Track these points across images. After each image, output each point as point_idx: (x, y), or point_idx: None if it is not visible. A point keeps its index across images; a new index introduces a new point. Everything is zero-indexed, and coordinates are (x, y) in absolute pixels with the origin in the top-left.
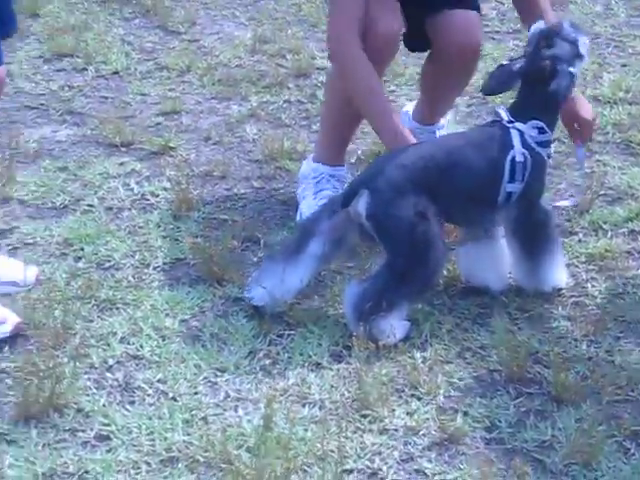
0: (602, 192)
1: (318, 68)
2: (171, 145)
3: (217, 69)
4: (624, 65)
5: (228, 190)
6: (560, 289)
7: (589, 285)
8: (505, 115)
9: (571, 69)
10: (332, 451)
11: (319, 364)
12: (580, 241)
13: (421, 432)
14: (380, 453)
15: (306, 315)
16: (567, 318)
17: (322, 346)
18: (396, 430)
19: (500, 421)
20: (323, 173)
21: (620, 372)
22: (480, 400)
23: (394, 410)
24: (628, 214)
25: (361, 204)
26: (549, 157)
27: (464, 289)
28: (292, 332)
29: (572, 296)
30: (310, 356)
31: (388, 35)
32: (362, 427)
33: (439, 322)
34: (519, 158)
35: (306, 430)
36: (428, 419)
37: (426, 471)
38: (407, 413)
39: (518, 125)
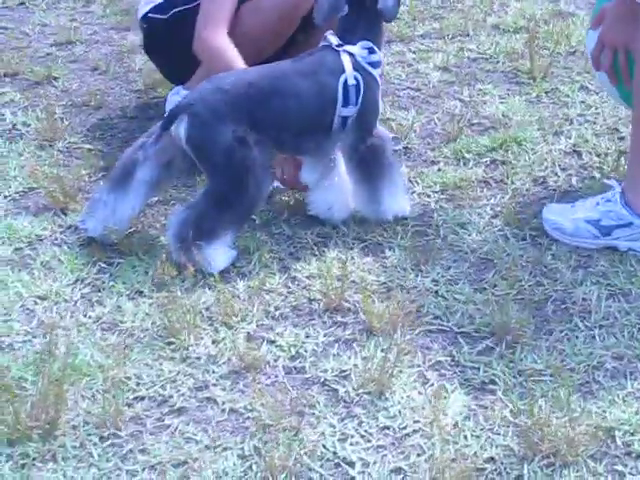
0: (475, 121)
1: None
2: (55, 75)
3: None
4: None
5: (101, 120)
6: (404, 218)
7: (435, 215)
8: (334, 39)
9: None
10: (128, 378)
11: (141, 292)
12: (439, 170)
13: (221, 361)
14: (175, 381)
15: (139, 243)
16: (403, 248)
17: (148, 274)
18: (198, 358)
19: (306, 350)
20: None
21: (440, 302)
22: (291, 329)
23: (202, 338)
24: (491, 143)
25: (181, 128)
26: (380, 77)
27: (307, 218)
28: (122, 260)
29: (415, 225)
30: (133, 284)
31: None
32: (164, 355)
33: (272, 251)
34: (351, 81)
35: (108, 357)
36: (233, 348)
37: (217, 399)
38: (213, 342)
39: (348, 47)
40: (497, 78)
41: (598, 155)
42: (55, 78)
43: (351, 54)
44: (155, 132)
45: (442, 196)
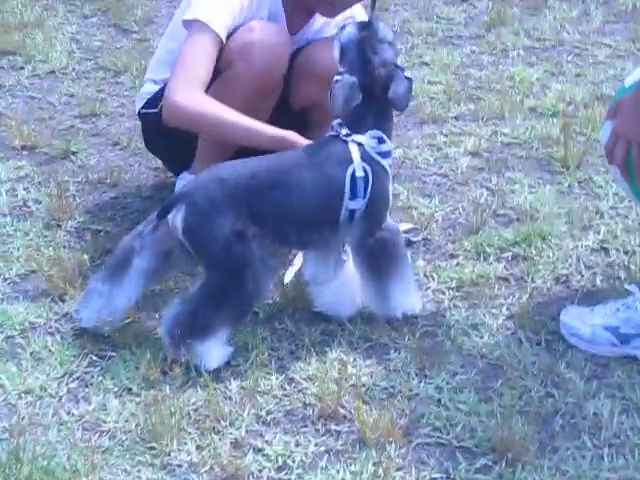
0: (501, 212)
1: None
2: (73, 150)
3: None
4: (578, 75)
5: (115, 199)
6: (414, 316)
7: (448, 314)
8: (343, 129)
9: (406, 73)
10: None
11: (129, 389)
12: (457, 264)
13: (203, 470)
14: None
15: (134, 335)
16: (409, 349)
17: (139, 370)
18: (179, 466)
19: (294, 461)
20: None
21: (441, 412)
22: (281, 436)
23: (186, 444)
24: (515, 237)
25: (178, 218)
26: (391, 167)
27: (312, 313)
28: (114, 354)
29: (425, 325)
30: (122, 380)
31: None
32: (143, 460)
33: (272, 349)
34: (359, 173)
35: (85, 460)
36: (217, 455)
37: None
38: (197, 447)
39: (356, 137)
40: (529, 165)
41: (626, 253)
42: (74, 153)
43: (359, 144)
44: (152, 221)
45: (457, 293)
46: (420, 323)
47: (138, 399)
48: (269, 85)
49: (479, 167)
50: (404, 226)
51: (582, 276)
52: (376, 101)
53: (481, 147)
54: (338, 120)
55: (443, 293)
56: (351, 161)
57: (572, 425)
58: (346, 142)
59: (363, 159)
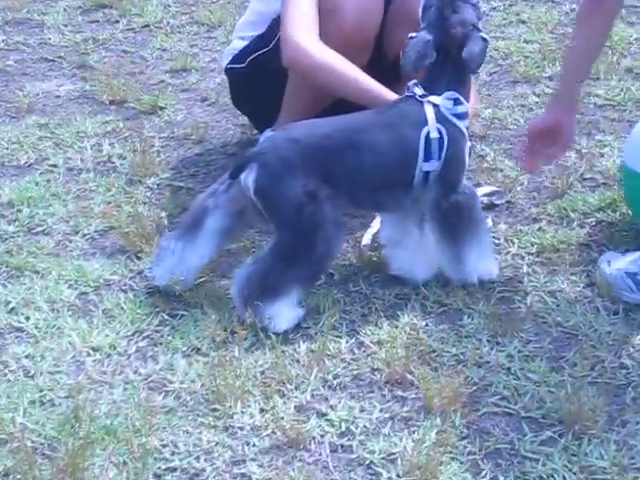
0: (588, 176)
1: None
2: (161, 105)
3: None
4: None
5: (199, 155)
6: (491, 281)
7: (526, 279)
8: (418, 89)
9: (483, 34)
10: (164, 445)
11: (198, 349)
12: (539, 229)
13: (265, 433)
14: (212, 452)
15: (206, 295)
16: (484, 315)
17: (209, 330)
18: (241, 428)
19: (357, 427)
20: None
21: (511, 380)
22: (346, 402)
23: (249, 406)
24: (600, 202)
25: (249, 178)
26: (467, 129)
27: (388, 277)
28: (185, 313)
29: (501, 290)
30: (191, 340)
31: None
32: (206, 422)
33: (344, 311)
34: (434, 134)
35: (148, 420)
36: (281, 419)
37: (252, 476)
38: (261, 410)
39: (432, 98)
40: (621, 128)
41: None
42: (161, 108)
43: (435, 105)
44: (226, 180)
45: (537, 259)
46: (496, 289)
47: (206, 359)
48: (359, 44)
49: None
50: (487, 189)
51: None
52: (452, 61)
53: None
54: (414, 80)
55: (522, 258)
56: (426, 122)
57: None
58: (422, 103)
59: (438, 120)
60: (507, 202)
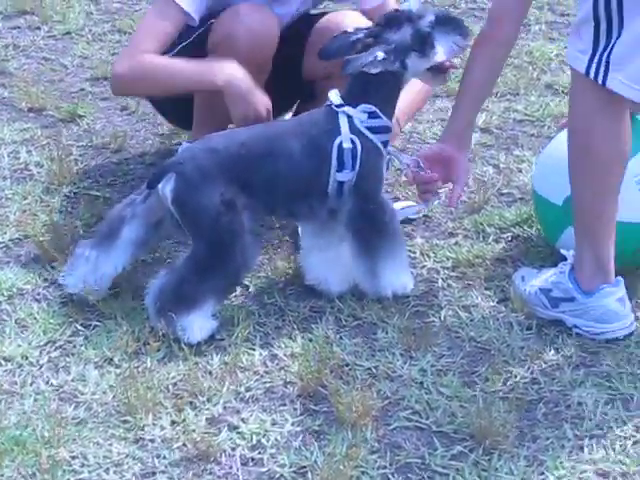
0: (505, 191)
1: None
2: (80, 113)
3: None
4: None
5: (117, 165)
6: (406, 295)
7: (440, 294)
8: (336, 98)
9: (407, 60)
10: (73, 457)
11: (110, 360)
12: (456, 244)
13: (176, 445)
14: (122, 464)
15: (120, 305)
16: (398, 329)
17: (122, 340)
18: (152, 440)
19: (268, 440)
20: None
21: (423, 395)
22: (258, 414)
23: (160, 418)
24: (516, 217)
25: (167, 188)
26: (385, 145)
27: (304, 289)
28: (99, 323)
29: (416, 304)
30: (104, 351)
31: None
32: (117, 434)
33: (259, 324)
34: (347, 144)
35: (58, 432)
36: (192, 431)
37: None
38: (172, 423)
39: (346, 109)
40: (539, 144)
41: None
42: (80, 116)
43: (349, 116)
44: (144, 190)
45: (452, 273)
46: (411, 303)
47: (118, 370)
48: (255, 67)
49: (488, 144)
50: (403, 204)
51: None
52: (373, 76)
53: (492, 123)
54: (335, 90)
55: (438, 272)
56: (339, 132)
57: (555, 414)
58: (337, 113)
59: (352, 131)
60: (424, 216)
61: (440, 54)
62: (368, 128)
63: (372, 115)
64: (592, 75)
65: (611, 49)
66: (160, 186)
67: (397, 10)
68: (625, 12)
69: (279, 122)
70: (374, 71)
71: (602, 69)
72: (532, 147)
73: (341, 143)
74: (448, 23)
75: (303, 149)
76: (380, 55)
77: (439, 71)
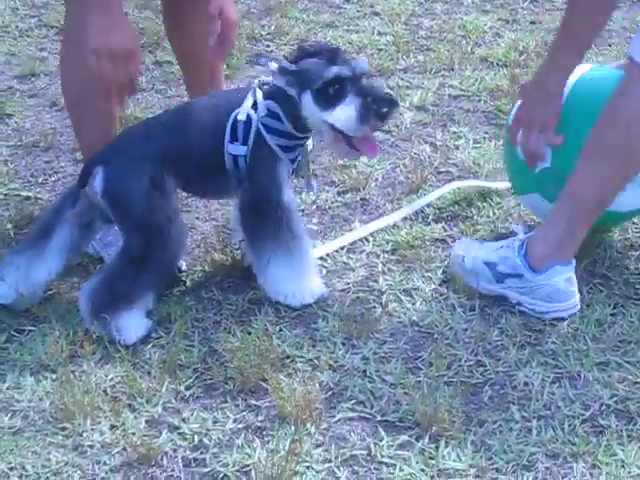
0: (443, 169)
1: None
2: (8, 112)
3: None
4: (532, 22)
5: (48, 163)
6: (347, 282)
7: (381, 279)
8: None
9: (303, 94)
10: (12, 468)
11: (47, 366)
12: (395, 226)
13: (115, 450)
14: (61, 473)
15: (55, 309)
16: (339, 317)
17: (58, 345)
18: (91, 447)
19: (210, 439)
20: None
21: (366, 384)
22: (199, 413)
23: (99, 423)
24: (455, 196)
25: (96, 182)
26: (288, 151)
27: (242, 281)
28: (33, 328)
29: (357, 291)
30: (40, 357)
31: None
32: (55, 442)
33: (196, 319)
34: (241, 116)
35: None
36: (131, 434)
37: None
38: (111, 427)
39: (259, 91)
40: (475, 119)
41: None
42: (9, 115)
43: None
44: (73, 191)
45: (392, 257)
46: (352, 289)
47: (54, 376)
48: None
49: (424, 122)
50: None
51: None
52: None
53: (427, 100)
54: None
55: (377, 256)
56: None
57: (501, 396)
58: (253, 90)
59: (253, 107)
60: (361, 199)
61: (335, 117)
62: (264, 125)
63: (272, 115)
64: None
65: None
66: (90, 180)
67: (338, 48)
68: None
69: (200, 98)
70: (265, 77)
71: None
72: (469, 123)
73: (237, 114)
74: (378, 102)
75: (205, 121)
76: (273, 65)
77: (349, 144)
